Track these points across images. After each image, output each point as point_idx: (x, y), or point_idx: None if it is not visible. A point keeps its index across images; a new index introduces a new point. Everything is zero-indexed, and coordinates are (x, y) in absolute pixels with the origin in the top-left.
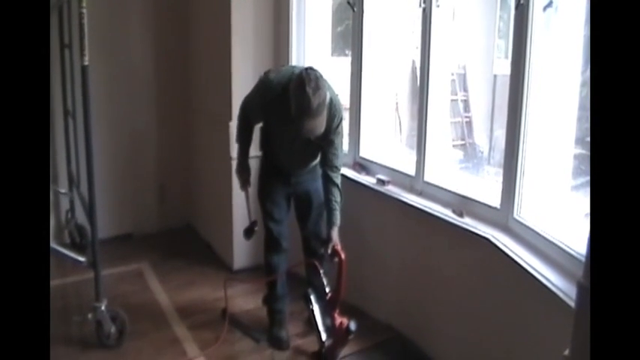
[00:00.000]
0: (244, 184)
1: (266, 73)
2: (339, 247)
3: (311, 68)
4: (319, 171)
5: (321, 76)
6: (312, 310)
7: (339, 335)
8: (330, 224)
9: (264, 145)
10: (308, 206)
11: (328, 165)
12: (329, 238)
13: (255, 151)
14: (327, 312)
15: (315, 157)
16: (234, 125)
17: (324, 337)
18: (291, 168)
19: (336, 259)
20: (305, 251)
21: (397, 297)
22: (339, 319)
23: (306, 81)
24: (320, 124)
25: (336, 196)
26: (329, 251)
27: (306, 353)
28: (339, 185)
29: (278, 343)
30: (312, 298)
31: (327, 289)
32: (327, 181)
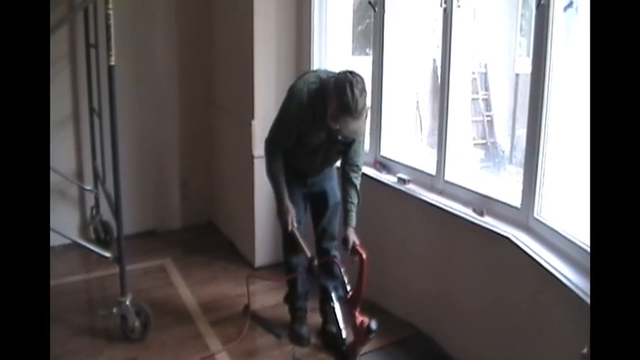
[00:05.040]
0: (292, 222)
1: (292, 88)
2: (359, 246)
3: (352, 72)
4: (334, 170)
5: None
6: (333, 308)
7: (359, 334)
8: (345, 225)
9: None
10: (324, 205)
11: (349, 163)
12: (346, 239)
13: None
14: (348, 310)
15: (337, 159)
16: (256, 124)
17: (344, 334)
18: (311, 170)
19: (357, 258)
20: (317, 250)
21: (417, 295)
22: (359, 318)
23: (353, 82)
24: (361, 126)
25: (353, 198)
26: (349, 251)
27: (326, 350)
28: (358, 187)
29: (299, 340)
30: (334, 296)
31: (348, 288)
32: (346, 182)
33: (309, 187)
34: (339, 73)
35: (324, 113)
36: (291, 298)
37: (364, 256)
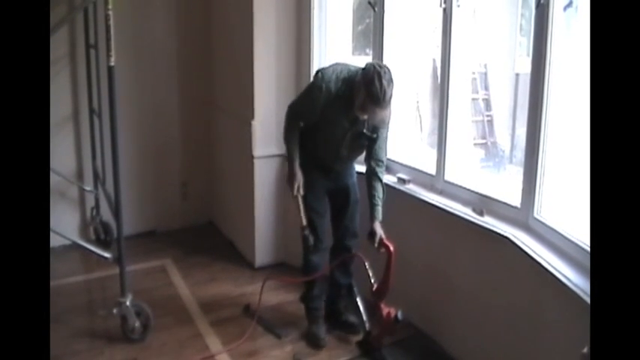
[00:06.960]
0: (298, 189)
1: (321, 71)
2: (386, 239)
3: (380, 63)
4: (354, 167)
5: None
6: (356, 301)
7: (386, 324)
8: (372, 219)
9: (305, 139)
10: (346, 201)
11: (374, 158)
12: (373, 232)
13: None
14: (374, 303)
15: (360, 152)
16: (256, 124)
17: (367, 326)
18: (335, 162)
19: (384, 251)
20: (339, 247)
21: (418, 295)
22: (386, 309)
23: (381, 73)
24: (389, 114)
25: (379, 192)
26: (376, 244)
27: (329, 348)
28: (383, 181)
29: (317, 341)
30: (356, 290)
31: (373, 280)
32: (372, 176)
33: (334, 181)
34: (367, 64)
35: (351, 104)
36: (307, 298)
37: (392, 248)
